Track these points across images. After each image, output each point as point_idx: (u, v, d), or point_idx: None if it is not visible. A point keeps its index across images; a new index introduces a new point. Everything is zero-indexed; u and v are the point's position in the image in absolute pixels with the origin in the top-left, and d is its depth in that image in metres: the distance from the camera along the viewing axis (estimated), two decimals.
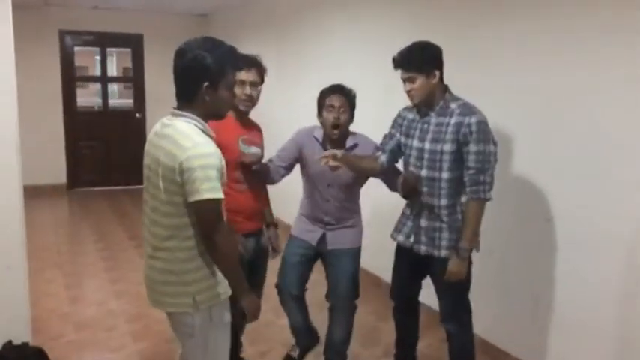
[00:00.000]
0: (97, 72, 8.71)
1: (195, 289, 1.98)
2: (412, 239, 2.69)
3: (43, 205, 7.20)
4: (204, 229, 1.91)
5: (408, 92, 2.51)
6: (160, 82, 8.17)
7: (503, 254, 3.24)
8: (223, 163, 1.95)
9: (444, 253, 2.57)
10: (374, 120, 4.39)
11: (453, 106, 2.50)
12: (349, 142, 2.85)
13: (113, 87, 13.78)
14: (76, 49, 8.83)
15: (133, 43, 8.25)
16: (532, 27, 2.97)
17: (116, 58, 14.74)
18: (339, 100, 2.76)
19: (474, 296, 3.14)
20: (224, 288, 2.03)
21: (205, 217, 1.90)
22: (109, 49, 11.09)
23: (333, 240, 2.95)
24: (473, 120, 2.42)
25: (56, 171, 7.96)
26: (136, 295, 4.17)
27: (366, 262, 4.61)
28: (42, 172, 7.74)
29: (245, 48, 7.14)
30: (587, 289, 2.77)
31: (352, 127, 2.92)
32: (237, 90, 2.49)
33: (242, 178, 2.67)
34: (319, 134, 2.87)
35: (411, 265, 2.81)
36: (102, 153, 8.22)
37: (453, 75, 2.67)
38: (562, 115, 2.84)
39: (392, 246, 4.27)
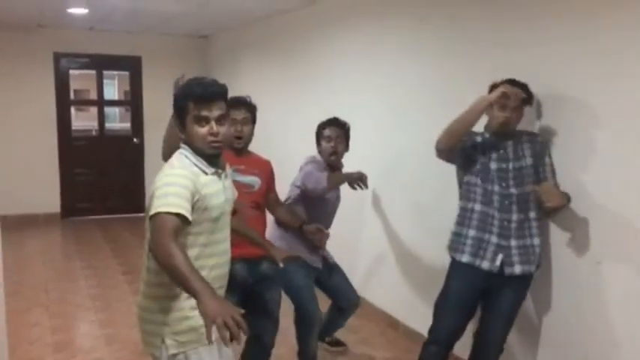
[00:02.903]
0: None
1: (166, 331, 1.93)
2: (498, 262, 2.61)
3: (35, 235, 6.85)
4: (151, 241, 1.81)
5: (507, 119, 2.59)
6: (159, 107, 7.87)
7: (550, 301, 2.83)
8: (206, 192, 1.92)
9: (534, 268, 2.65)
10: (384, 142, 4.10)
11: (516, 132, 2.70)
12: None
13: (115, 111, 13.50)
14: (76, 72, 8.56)
15: (131, 66, 7.94)
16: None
17: (118, 81, 14.50)
18: (335, 132, 3.16)
19: (515, 347, 2.77)
20: (201, 335, 1.85)
21: (152, 230, 1.80)
22: (111, 72, 10.88)
23: (327, 254, 3.33)
24: (541, 139, 2.72)
25: (50, 199, 7.59)
26: (128, 342, 3.77)
27: (382, 302, 4.26)
28: (35, 200, 7.46)
29: (247, 71, 6.90)
30: None
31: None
32: (230, 128, 2.48)
33: None
34: (322, 161, 3.20)
35: (475, 295, 2.73)
36: (97, 180, 7.84)
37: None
38: (621, 148, 2.47)
39: (409, 285, 3.92)
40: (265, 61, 6.29)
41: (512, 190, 2.61)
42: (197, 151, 1.97)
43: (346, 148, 3.21)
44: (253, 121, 2.83)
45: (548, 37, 2.77)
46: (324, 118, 4.91)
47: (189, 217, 1.83)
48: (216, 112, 1.96)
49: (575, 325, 2.69)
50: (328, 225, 3.23)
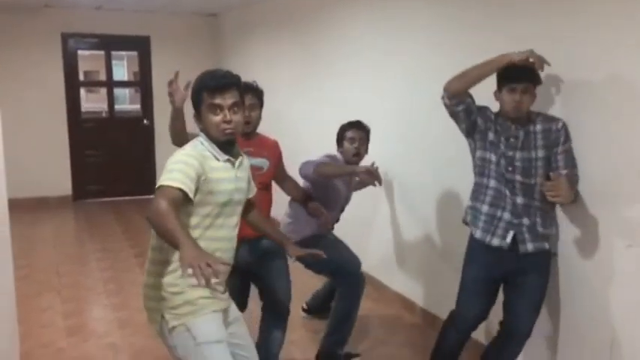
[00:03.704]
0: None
1: (164, 306, 2.03)
2: (508, 239, 2.56)
3: (46, 218, 6.82)
4: None
5: (518, 103, 2.47)
6: None
7: (574, 286, 2.72)
8: (213, 176, 2.01)
9: (547, 245, 2.59)
10: (399, 118, 3.99)
11: (532, 116, 2.57)
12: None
13: (125, 92, 13.39)
14: (85, 52, 8.45)
15: (140, 46, 7.82)
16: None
17: (127, 62, 14.34)
18: (358, 134, 3.25)
19: (538, 339, 2.67)
20: (198, 306, 2.02)
21: (152, 199, 1.87)
22: (120, 53, 10.74)
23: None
24: (556, 126, 2.54)
25: (61, 182, 7.56)
26: (141, 325, 3.71)
27: (398, 284, 4.17)
28: (46, 183, 7.43)
29: (257, 49, 6.74)
30: None
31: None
32: None
33: None
34: (342, 161, 3.27)
35: (492, 278, 2.68)
36: (108, 162, 7.79)
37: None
38: None
39: (425, 266, 3.83)
40: (276, 38, 6.15)
41: (518, 177, 2.54)
42: (212, 139, 2.07)
43: (366, 150, 3.32)
44: (260, 105, 2.93)
45: (560, 9, 2.63)
46: (336, 97, 4.85)
47: (191, 195, 1.91)
48: (229, 101, 2.04)
49: (600, 312, 2.57)
50: (333, 221, 3.35)
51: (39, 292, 4.37)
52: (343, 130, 3.29)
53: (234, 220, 2.16)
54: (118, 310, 4.07)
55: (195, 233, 1.98)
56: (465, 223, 2.77)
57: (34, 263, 5.05)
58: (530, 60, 2.43)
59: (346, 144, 3.25)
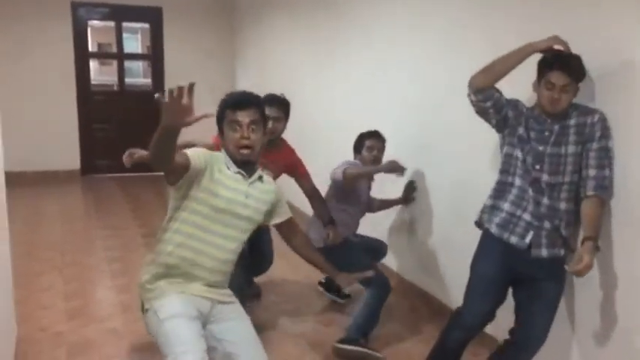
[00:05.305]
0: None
1: (142, 293, 2.24)
2: (527, 239, 2.40)
3: (54, 192, 6.69)
4: None
5: (556, 99, 2.27)
6: (181, 60, 7.57)
7: (591, 291, 2.49)
8: (218, 177, 2.19)
9: (562, 251, 2.43)
10: (417, 103, 3.75)
11: (569, 109, 2.36)
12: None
13: (138, 65, 13.14)
14: (99, 24, 8.23)
15: (152, 17, 7.58)
16: None
17: (141, 35, 14.08)
18: (377, 143, 3.45)
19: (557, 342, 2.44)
20: (166, 289, 2.16)
21: None
22: (133, 26, 10.47)
23: None
24: (591, 119, 2.32)
25: (70, 156, 7.42)
26: None
27: (414, 276, 3.96)
28: (54, 156, 7.30)
29: (273, 24, 6.44)
30: None
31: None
32: None
33: None
34: (360, 165, 3.43)
35: (504, 277, 2.51)
36: (118, 136, 7.61)
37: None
38: None
39: (444, 258, 3.62)
40: (293, 12, 5.88)
41: (545, 177, 2.36)
42: (230, 156, 2.24)
43: (381, 159, 3.48)
44: (286, 117, 3.22)
45: None
46: (356, 80, 4.59)
47: (192, 164, 2.08)
48: (247, 119, 2.19)
49: (625, 314, 2.36)
50: (355, 226, 3.58)
51: (41, 270, 4.21)
52: (362, 138, 3.47)
53: (233, 232, 2.22)
54: (122, 292, 3.90)
55: (186, 229, 2.16)
56: (477, 225, 2.59)
57: (38, 240, 4.91)
58: (556, 47, 2.27)
59: (365, 152, 3.43)
